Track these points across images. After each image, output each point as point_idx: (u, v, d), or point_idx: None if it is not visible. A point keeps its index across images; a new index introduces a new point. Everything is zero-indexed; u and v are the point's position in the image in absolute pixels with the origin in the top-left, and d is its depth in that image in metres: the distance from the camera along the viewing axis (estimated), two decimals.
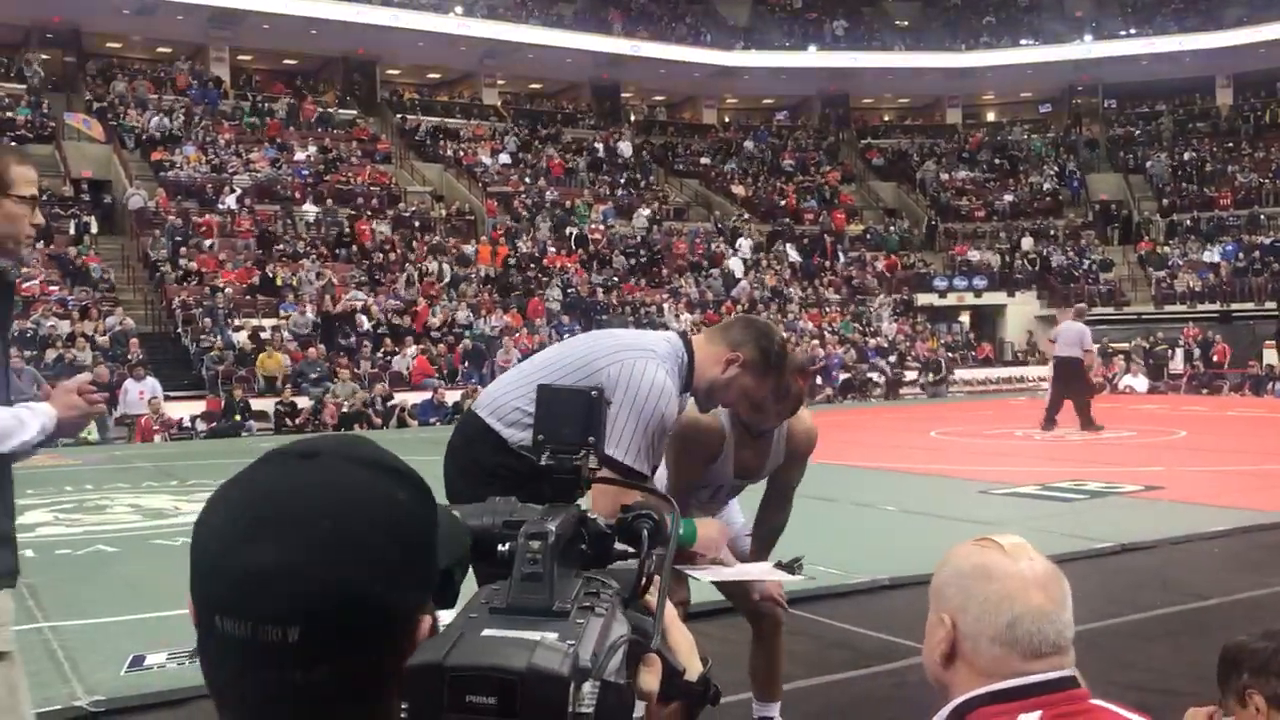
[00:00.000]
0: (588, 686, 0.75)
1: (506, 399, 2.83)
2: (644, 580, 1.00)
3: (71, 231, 23.67)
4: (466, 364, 21.50)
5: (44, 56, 30.84)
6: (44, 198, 24.33)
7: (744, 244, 30.71)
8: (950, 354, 27.82)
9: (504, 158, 32.70)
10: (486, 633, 0.78)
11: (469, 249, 26.93)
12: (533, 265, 26.77)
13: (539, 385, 1.15)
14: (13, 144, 25.53)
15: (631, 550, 1.02)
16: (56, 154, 26.85)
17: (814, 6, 41.58)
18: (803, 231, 32.99)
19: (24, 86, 29.15)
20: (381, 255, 25.25)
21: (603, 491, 2.10)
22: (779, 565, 3.32)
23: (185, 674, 4.66)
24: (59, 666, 4.77)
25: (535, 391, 1.12)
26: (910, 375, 26.17)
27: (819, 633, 5.10)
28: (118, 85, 30.34)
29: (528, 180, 31.71)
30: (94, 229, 24.62)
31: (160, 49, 33.81)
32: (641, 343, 2.78)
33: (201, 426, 18.08)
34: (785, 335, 3.03)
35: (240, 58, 33.95)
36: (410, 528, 0.83)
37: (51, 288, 20.97)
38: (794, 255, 31.13)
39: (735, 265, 29.22)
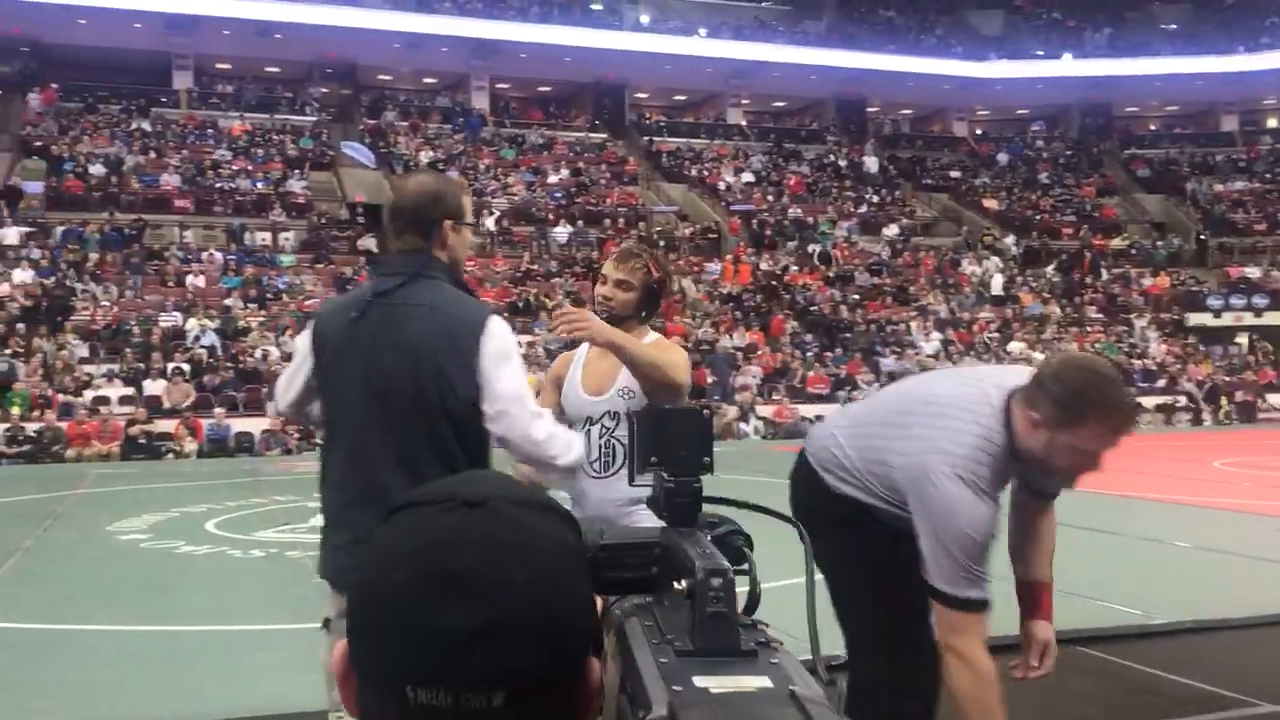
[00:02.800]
0: None
1: (822, 440, 2.83)
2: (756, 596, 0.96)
3: (347, 252, 25.40)
4: (710, 381, 21.62)
5: (323, 90, 33.32)
6: (322, 221, 26.33)
7: (996, 260, 29.58)
8: (1228, 378, 25.81)
9: (747, 176, 32.83)
10: (703, 683, 0.75)
11: (713, 267, 27.15)
12: (775, 283, 26.70)
13: (645, 408, 1.10)
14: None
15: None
16: (334, 180, 28.91)
17: (1073, 13, 39.71)
18: (1060, 247, 31.48)
19: (308, 119, 31.59)
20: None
21: None
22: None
23: None
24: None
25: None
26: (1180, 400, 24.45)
27: (1121, 676, 4.78)
28: (388, 115, 32.42)
29: (771, 198, 31.70)
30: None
31: (426, 79, 35.96)
32: (948, 431, 2.48)
33: None
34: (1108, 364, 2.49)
35: (499, 86, 35.59)
36: (583, 571, 0.80)
37: None
38: (1051, 271, 29.74)
39: (996, 282, 28.12)
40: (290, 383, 2.80)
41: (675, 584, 0.91)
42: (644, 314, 3.19)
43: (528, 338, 22.26)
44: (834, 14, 39.44)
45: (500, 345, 2.59)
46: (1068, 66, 37.28)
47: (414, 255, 2.66)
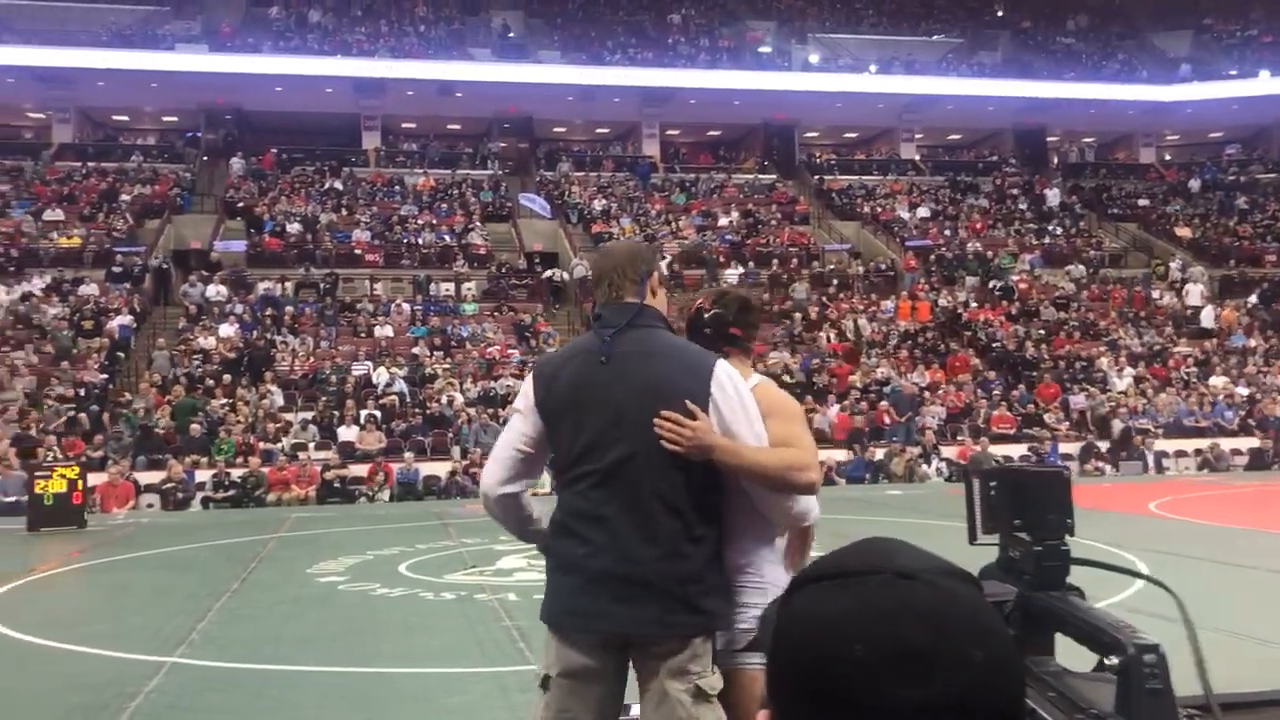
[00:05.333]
0: None
1: None
2: None
3: (525, 300, 26.09)
4: (889, 422, 21.18)
5: (502, 144, 34.48)
6: (502, 270, 27.14)
7: (1192, 290, 28.05)
8: None
9: (923, 211, 32.21)
10: None
11: (888, 305, 26.67)
12: (955, 320, 26.01)
13: (1000, 468, 1.03)
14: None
15: None
16: (513, 231, 29.79)
17: (1270, 29, 37.59)
18: (1263, 276, 29.64)
19: (487, 172, 32.73)
20: (802, 314, 25.60)
21: None
22: None
23: None
24: None
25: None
26: None
27: None
28: (562, 165, 33.27)
29: (948, 233, 30.99)
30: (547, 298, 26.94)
31: (599, 130, 36.80)
32: None
33: None
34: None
35: (669, 132, 36.08)
36: (1016, 647, 0.80)
37: (511, 351, 23.13)
38: (1254, 302, 28.00)
39: (1207, 314, 26.62)
40: (508, 448, 2.81)
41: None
42: (710, 348, 2.92)
43: None
44: (1010, 44, 38.50)
45: (735, 388, 2.70)
46: (1265, 85, 35.24)
47: (627, 307, 2.80)
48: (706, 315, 3.10)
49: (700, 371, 2.69)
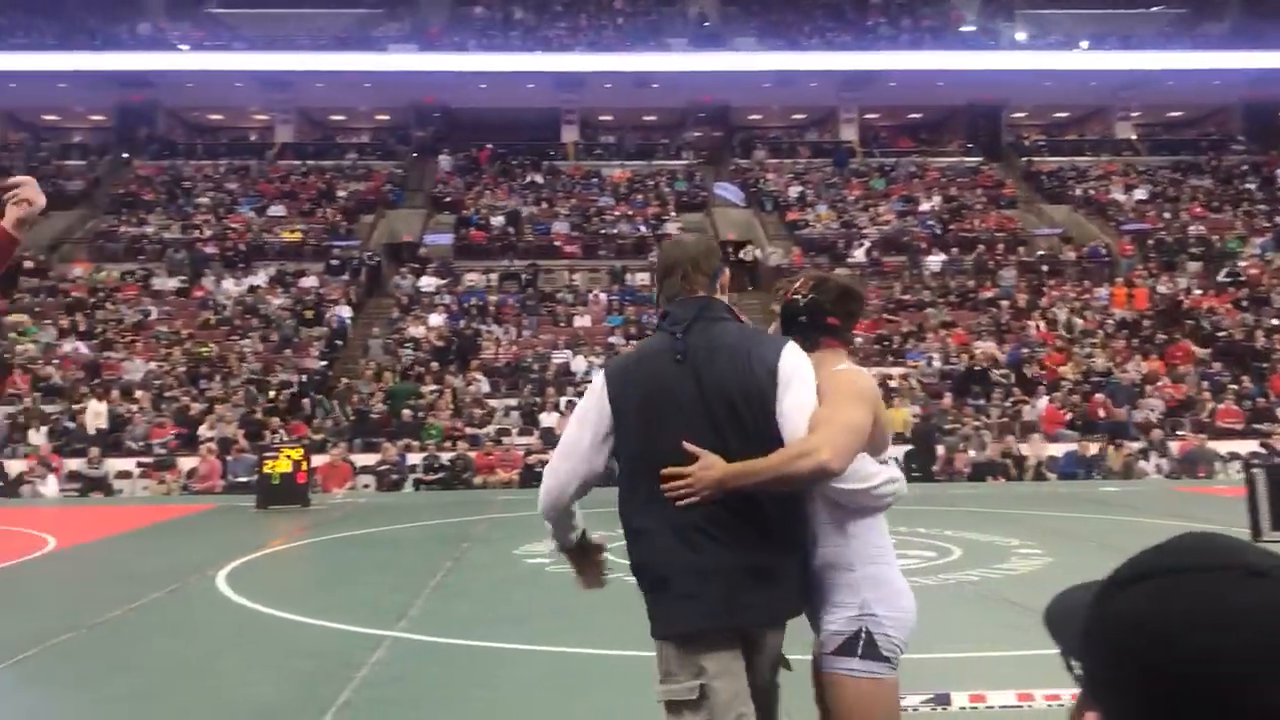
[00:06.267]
0: None
1: None
2: None
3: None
4: (1104, 415, 20.12)
5: (697, 134, 34.57)
6: None
7: None
8: None
9: (1140, 193, 30.47)
10: None
11: (1102, 292, 25.35)
12: (1176, 308, 24.48)
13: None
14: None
15: None
16: (706, 220, 29.82)
17: None
18: None
19: (682, 163, 32.89)
20: (1009, 301, 24.65)
21: None
22: None
23: None
24: None
25: None
26: None
27: None
28: (758, 153, 33.09)
29: (1168, 215, 29.22)
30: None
31: (795, 115, 36.41)
32: None
33: None
34: None
35: (867, 116, 35.37)
36: None
37: None
38: None
39: None
40: (580, 446, 2.81)
41: None
42: (806, 337, 2.91)
43: (899, 370, 21.79)
44: (1238, 12, 35.92)
45: (796, 374, 2.73)
46: None
47: (696, 300, 2.84)
48: (803, 303, 2.99)
49: (769, 365, 2.71)
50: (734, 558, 2.66)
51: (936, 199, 29.95)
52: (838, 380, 2.81)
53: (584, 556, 3.03)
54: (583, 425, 2.83)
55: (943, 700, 4.91)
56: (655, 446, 2.69)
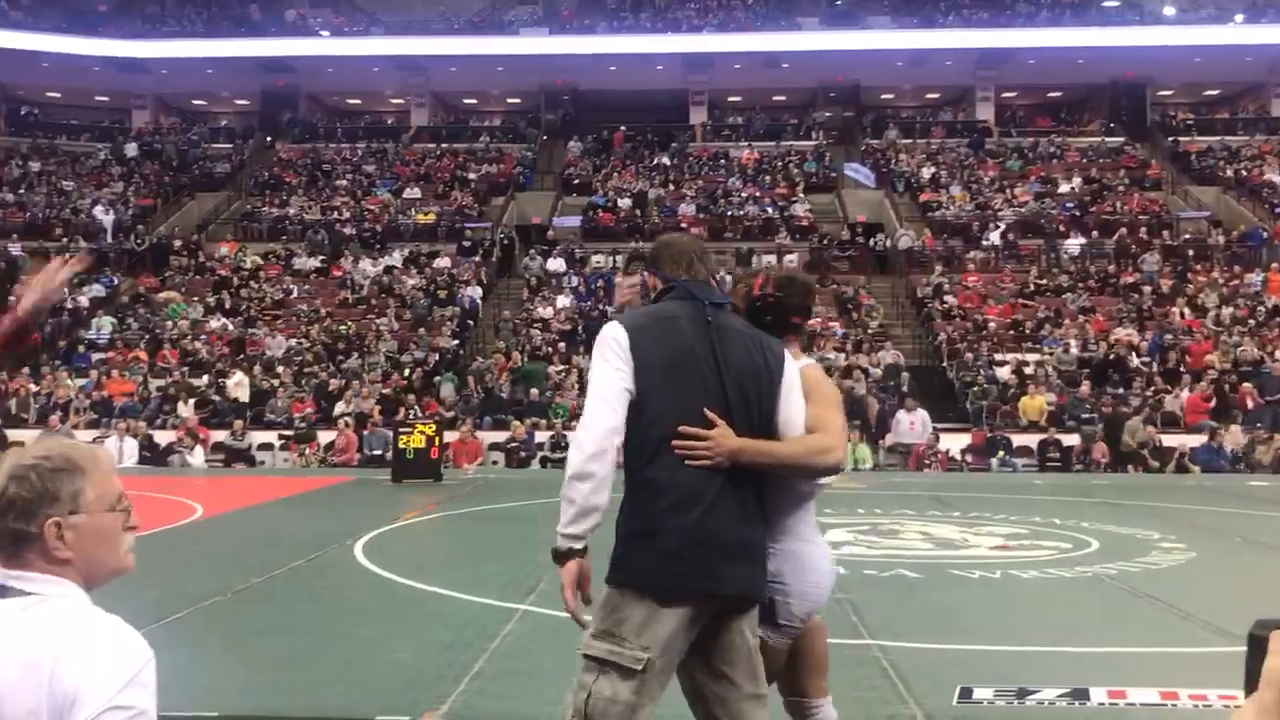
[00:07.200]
0: None
1: None
2: None
3: (846, 271, 25.72)
4: (1251, 405, 19.22)
5: (827, 114, 34.12)
6: (824, 242, 26.89)
7: None
8: None
9: None
10: None
11: (1254, 278, 24.16)
12: None
13: None
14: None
15: None
16: (836, 201, 29.45)
17: None
18: None
19: (811, 143, 32.51)
20: (1151, 287, 23.71)
21: None
22: None
23: (1015, 713, 4.61)
24: (894, 686, 5.00)
25: None
26: None
27: None
28: (889, 133, 32.48)
29: None
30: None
31: (928, 95, 35.63)
32: None
33: (969, 459, 18.39)
34: None
35: (1004, 95, 34.41)
36: None
37: (832, 323, 22.89)
38: None
39: None
40: (618, 399, 2.75)
41: None
42: (770, 334, 3.05)
43: (1034, 356, 21.17)
44: None
45: (793, 376, 2.94)
46: None
47: (714, 287, 3.00)
48: (771, 302, 3.17)
49: (776, 359, 2.92)
50: (726, 530, 2.73)
51: (1076, 180, 28.98)
52: (813, 381, 3.05)
53: (583, 574, 2.80)
54: (611, 372, 2.78)
55: (1080, 695, 4.78)
56: (676, 403, 2.75)
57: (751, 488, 2.81)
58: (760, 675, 2.83)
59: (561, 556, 2.79)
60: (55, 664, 1.60)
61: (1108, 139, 32.04)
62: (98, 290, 24.88)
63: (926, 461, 17.87)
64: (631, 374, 2.76)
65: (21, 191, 30.24)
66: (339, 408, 19.21)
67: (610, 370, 2.77)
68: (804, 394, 2.95)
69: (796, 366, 3.00)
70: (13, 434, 18.58)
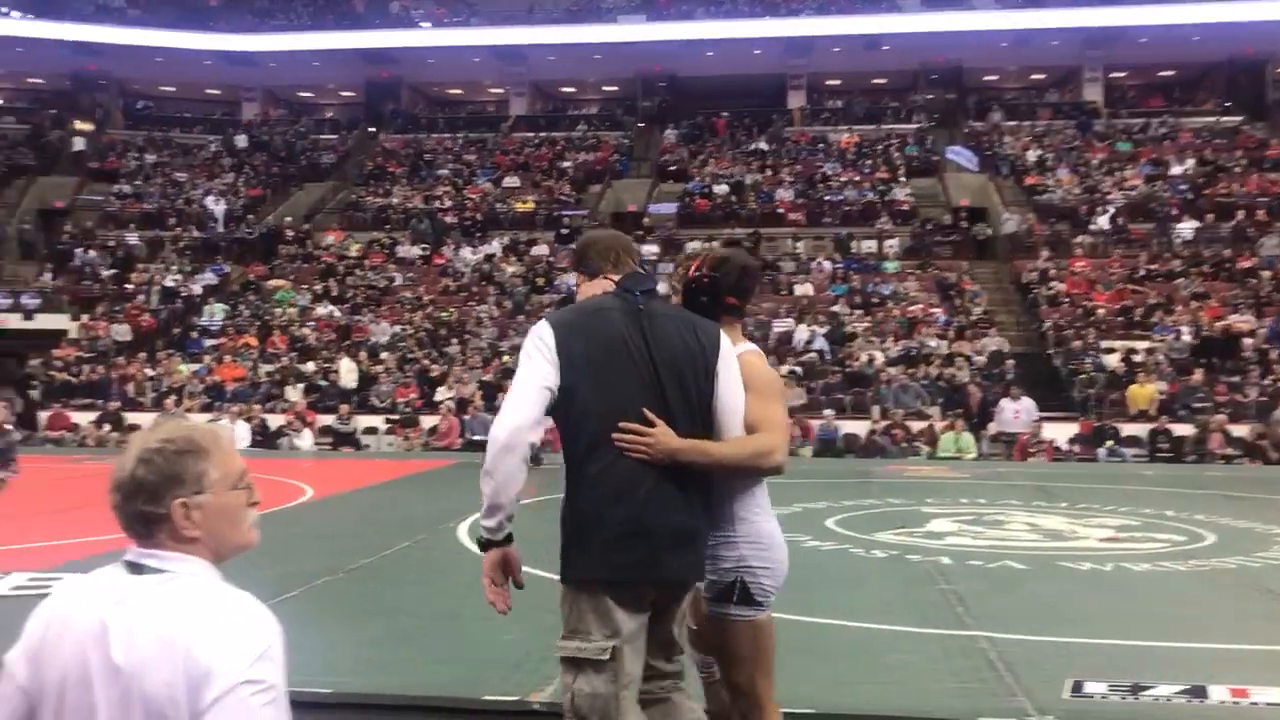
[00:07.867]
0: None
1: None
2: None
3: (949, 257, 25.26)
4: None
5: (928, 96, 33.50)
6: (926, 227, 26.43)
7: None
8: None
9: None
10: None
11: None
12: None
13: None
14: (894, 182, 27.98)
15: None
16: (939, 185, 28.92)
17: None
18: None
19: (912, 126, 31.97)
20: (1271, 271, 22.81)
21: None
22: None
23: (1129, 709, 4.50)
24: (1001, 678, 4.92)
25: None
26: None
27: None
28: (993, 115, 31.77)
29: None
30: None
31: (1033, 75, 34.76)
32: None
33: (1076, 449, 17.94)
34: None
35: (1113, 75, 33.39)
36: None
37: (933, 310, 22.52)
38: None
39: None
40: (536, 396, 2.79)
41: None
42: (706, 315, 3.11)
43: (1144, 344, 20.54)
44: None
45: (732, 362, 2.97)
46: None
47: (646, 276, 3.06)
48: (706, 282, 3.20)
49: (711, 340, 2.93)
50: (665, 518, 2.79)
51: (1190, 162, 27.98)
52: (753, 369, 3.08)
53: (506, 562, 2.98)
54: (535, 367, 2.83)
55: (1199, 693, 4.65)
56: (607, 395, 2.79)
57: (691, 476, 2.86)
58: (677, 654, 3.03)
59: (482, 546, 2.99)
60: (190, 639, 1.66)
61: (1224, 119, 30.87)
62: (210, 279, 25.71)
63: (1031, 451, 17.49)
64: (556, 370, 2.80)
65: (138, 183, 31.34)
66: (441, 393, 19.55)
67: (532, 367, 2.84)
68: (744, 383, 2.98)
69: (735, 351, 3.04)
70: (130, 417, 19.35)
